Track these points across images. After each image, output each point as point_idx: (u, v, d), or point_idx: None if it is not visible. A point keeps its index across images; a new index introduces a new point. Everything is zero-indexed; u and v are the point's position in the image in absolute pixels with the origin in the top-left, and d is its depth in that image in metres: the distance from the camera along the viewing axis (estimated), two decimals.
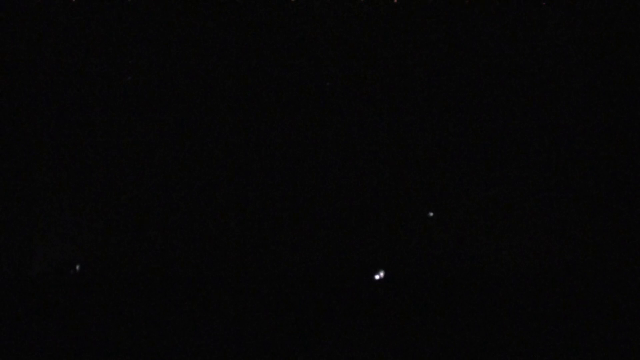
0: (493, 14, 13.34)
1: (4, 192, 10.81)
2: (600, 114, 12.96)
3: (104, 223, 12.16)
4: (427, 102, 13.49)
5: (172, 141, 12.84)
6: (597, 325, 4.98)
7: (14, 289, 5.73)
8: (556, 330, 4.97)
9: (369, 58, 13.45)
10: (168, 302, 5.40)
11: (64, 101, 12.56)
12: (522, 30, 13.30)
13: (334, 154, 13.30)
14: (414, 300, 6.14)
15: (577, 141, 13.19)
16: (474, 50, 13.38)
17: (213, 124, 13.03)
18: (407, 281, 7.39)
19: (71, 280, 7.46)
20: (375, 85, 13.41)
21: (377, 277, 8.43)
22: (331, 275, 9.19)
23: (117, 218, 12.26)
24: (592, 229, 12.52)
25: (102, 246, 11.84)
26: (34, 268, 10.78)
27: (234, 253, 12.54)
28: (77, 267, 8.77)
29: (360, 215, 12.97)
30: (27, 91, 12.28)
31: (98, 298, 5.54)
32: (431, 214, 12.50)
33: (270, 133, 13.40)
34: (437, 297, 5.87)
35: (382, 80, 13.39)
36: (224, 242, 12.52)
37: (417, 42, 13.55)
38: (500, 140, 13.37)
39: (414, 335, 5.11)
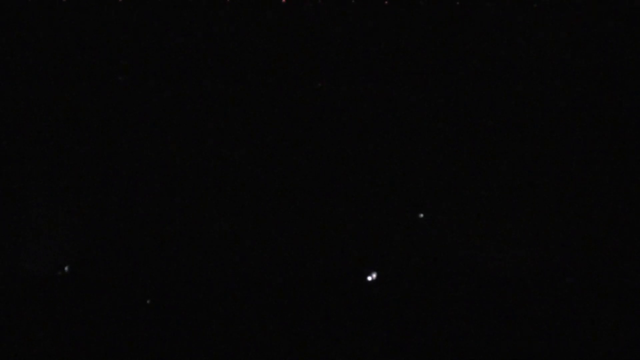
0: (486, 14, 13.37)
1: None
2: (595, 115, 13.01)
3: (95, 223, 12.07)
4: (420, 101, 13.51)
5: (165, 141, 12.77)
6: (591, 327, 4.96)
7: (4, 288, 5.65)
8: (550, 333, 4.93)
9: (360, 58, 13.45)
10: (160, 303, 5.34)
11: (53, 100, 12.46)
12: (515, 29, 13.33)
13: (326, 154, 13.29)
14: (407, 302, 6.09)
15: (572, 142, 13.22)
16: (466, 49, 13.40)
17: (206, 124, 12.99)
18: (400, 283, 7.35)
19: (61, 280, 7.38)
20: (367, 85, 13.41)
21: (369, 278, 8.39)
22: (323, 276, 9.14)
23: (108, 218, 12.18)
24: (587, 231, 12.55)
25: (93, 246, 11.76)
26: (24, 267, 10.68)
27: (226, 253, 12.49)
28: (66, 268, 8.69)
29: (352, 216, 12.96)
30: (16, 90, 12.16)
31: (89, 298, 5.47)
32: (421, 215, 12.50)
33: (261, 134, 13.39)
34: (430, 299, 5.82)
35: (374, 80, 13.39)
36: (217, 243, 12.47)
37: (408, 42, 13.57)
38: (494, 140, 13.40)
39: (407, 337, 5.07)
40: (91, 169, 11.89)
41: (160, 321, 5.07)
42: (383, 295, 6.83)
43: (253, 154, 12.75)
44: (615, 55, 11.81)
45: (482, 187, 12.45)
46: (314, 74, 12.65)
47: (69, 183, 11.74)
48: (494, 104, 12.66)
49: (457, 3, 11.94)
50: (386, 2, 11.96)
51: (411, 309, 5.80)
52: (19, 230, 10.82)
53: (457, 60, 12.20)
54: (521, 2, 11.98)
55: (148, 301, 5.52)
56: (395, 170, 12.47)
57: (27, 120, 11.38)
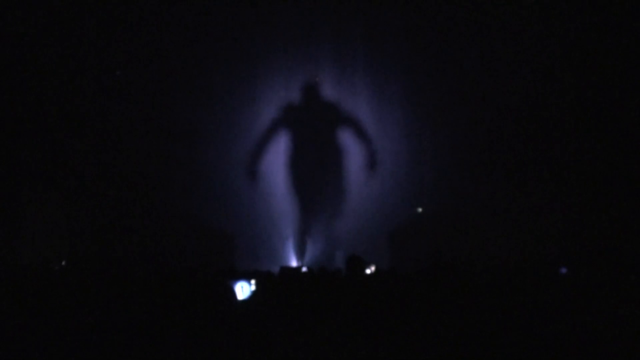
0: (487, 16, 13.32)
1: None
2: (591, 118, 12.98)
3: (91, 219, 12.07)
4: (422, 103, 13.50)
5: (162, 137, 12.74)
6: (582, 323, 4.96)
7: (5, 283, 5.68)
8: (542, 328, 4.94)
9: (364, 56, 13.41)
10: (153, 299, 5.35)
11: (51, 97, 12.46)
12: (514, 30, 13.27)
13: (333, 153, 13.28)
14: (405, 295, 6.10)
15: (566, 145, 13.23)
16: (472, 52, 13.39)
17: (204, 122, 12.97)
18: (399, 276, 7.36)
19: (56, 274, 7.40)
20: (372, 85, 13.39)
21: (368, 271, 8.41)
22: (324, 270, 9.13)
23: (103, 214, 12.17)
24: (580, 229, 12.57)
25: (88, 241, 11.74)
26: (21, 261, 10.68)
27: (222, 249, 12.47)
28: (63, 263, 8.69)
29: (355, 212, 12.96)
30: (14, 88, 12.14)
31: (83, 292, 5.49)
32: (420, 210, 12.52)
33: (260, 131, 13.36)
34: (430, 291, 5.83)
35: (379, 81, 13.37)
36: (211, 239, 12.45)
37: (410, 42, 13.53)
38: (492, 142, 13.38)
39: (404, 329, 5.07)
40: (90, 165, 11.80)
41: (156, 315, 5.08)
42: (381, 288, 6.82)
43: (254, 154, 12.60)
44: (606, 60, 11.72)
45: (481, 185, 12.36)
46: (315, 71, 12.54)
47: (68, 180, 11.66)
48: (492, 106, 12.57)
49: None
50: None
51: (410, 301, 5.80)
52: (19, 227, 10.76)
53: (458, 62, 12.13)
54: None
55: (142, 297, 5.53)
56: (399, 170, 12.37)
57: (24, 119, 11.31)
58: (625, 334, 4.70)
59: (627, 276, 6.29)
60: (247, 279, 7.35)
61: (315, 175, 13.07)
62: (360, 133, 13.28)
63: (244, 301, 6.17)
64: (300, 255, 12.96)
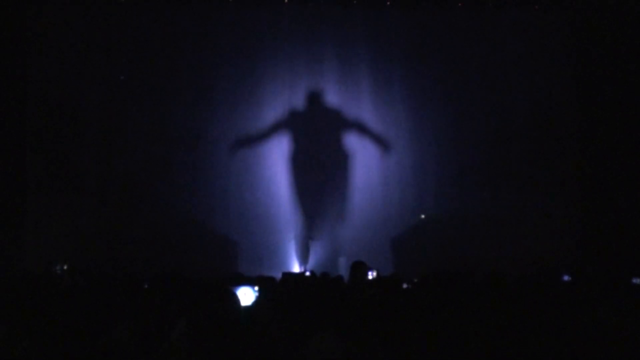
0: (485, 20, 13.35)
1: None
2: (595, 126, 13.00)
3: (94, 223, 12.09)
4: (426, 109, 13.53)
5: (165, 142, 12.77)
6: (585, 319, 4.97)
7: (3, 286, 5.69)
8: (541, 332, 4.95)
9: (368, 62, 13.44)
10: (156, 303, 5.36)
11: (56, 100, 12.50)
12: (513, 36, 13.30)
13: (336, 156, 13.31)
14: (407, 300, 6.10)
15: (566, 150, 13.24)
16: (477, 57, 13.43)
17: (208, 124, 13.01)
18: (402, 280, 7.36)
19: (60, 278, 7.41)
20: (376, 90, 13.42)
21: (370, 276, 8.40)
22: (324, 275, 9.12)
23: (106, 219, 12.19)
24: (582, 237, 12.58)
25: (91, 246, 11.77)
26: (24, 265, 10.71)
27: (225, 255, 12.49)
28: (66, 267, 8.70)
29: (358, 218, 12.99)
30: (19, 91, 12.19)
31: (86, 296, 5.49)
32: (423, 216, 12.54)
33: (265, 133, 13.39)
34: (432, 297, 5.85)
35: (383, 86, 13.40)
36: (214, 245, 12.46)
37: (408, 45, 13.56)
38: (495, 149, 13.41)
39: (404, 335, 5.08)
40: (95, 169, 11.83)
41: (160, 319, 5.10)
42: (384, 294, 6.84)
43: (258, 155, 12.64)
44: (607, 65, 11.74)
45: (485, 192, 12.38)
46: (319, 75, 12.58)
47: (72, 184, 11.69)
48: (496, 113, 12.58)
49: (460, 4, 11.90)
50: (388, 3, 11.92)
51: (411, 306, 5.81)
52: (23, 231, 10.75)
53: (463, 67, 12.15)
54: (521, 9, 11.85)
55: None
56: (402, 175, 12.37)
57: (29, 122, 11.33)
58: (627, 341, 4.71)
59: (629, 283, 6.30)
60: (251, 284, 7.35)
61: (319, 181, 13.08)
62: (366, 134, 13.31)
63: (247, 307, 6.17)
64: (304, 260, 12.98)
